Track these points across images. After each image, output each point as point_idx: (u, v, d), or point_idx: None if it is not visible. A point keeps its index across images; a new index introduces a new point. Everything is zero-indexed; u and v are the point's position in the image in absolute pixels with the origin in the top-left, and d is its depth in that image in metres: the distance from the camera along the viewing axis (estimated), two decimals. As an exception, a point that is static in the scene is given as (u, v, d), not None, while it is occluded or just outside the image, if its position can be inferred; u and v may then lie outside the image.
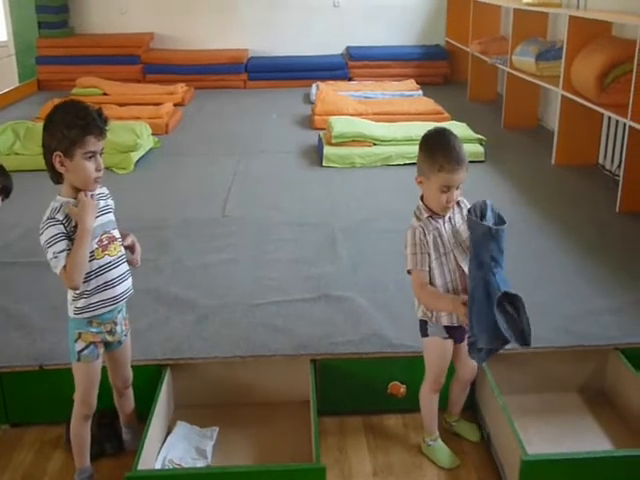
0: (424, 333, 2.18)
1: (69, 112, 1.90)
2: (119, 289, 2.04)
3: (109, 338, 2.08)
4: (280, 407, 2.49)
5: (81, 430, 2.10)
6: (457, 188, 2.03)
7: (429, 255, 2.05)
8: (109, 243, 2.00)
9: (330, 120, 5.28)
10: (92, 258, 1.95)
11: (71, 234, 1.90)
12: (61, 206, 1.91)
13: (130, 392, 2.28)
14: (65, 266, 1.86)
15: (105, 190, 2.08)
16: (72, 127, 1.86)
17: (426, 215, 2.06)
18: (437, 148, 1.99)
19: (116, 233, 2.05)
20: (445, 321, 2.12)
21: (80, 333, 2.02)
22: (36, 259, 3.21)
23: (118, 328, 2.09)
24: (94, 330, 2.03)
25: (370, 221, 3.77)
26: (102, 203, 2.02)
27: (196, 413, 2.44)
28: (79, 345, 2.02)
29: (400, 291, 2.90)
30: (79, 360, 2.04)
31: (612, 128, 4.72)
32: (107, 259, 1.99)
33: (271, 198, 4.20)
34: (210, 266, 3.23)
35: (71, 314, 2.02)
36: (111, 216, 2.05)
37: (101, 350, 2.07)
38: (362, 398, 2.50)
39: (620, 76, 4.20)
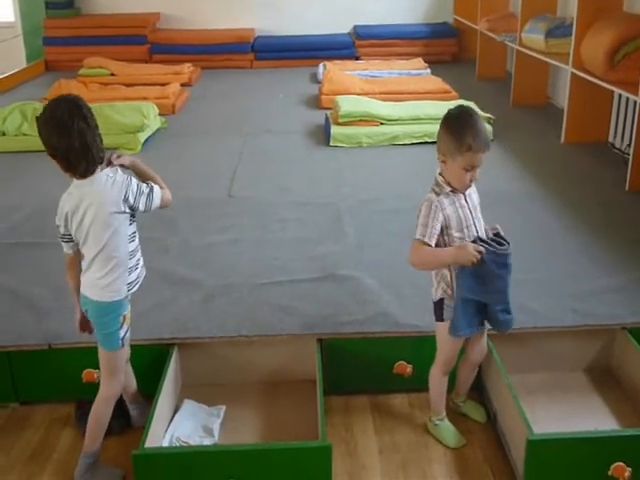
0: (440, 317, 2.16)
1: None
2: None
3: None
4: (286, 386, 2.50)
5: (106, 409, 2.11)
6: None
7: (444, 232, 2.04)
8: None
9: (337, 99, 5.25)
10: (136, 236, 2.06)
11: None
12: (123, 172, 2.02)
13: (129, 367, 2.29)
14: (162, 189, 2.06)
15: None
16: None
17: (448, 189, 2.05)
18: (465, 129, 1.98)
19: None
20: None
21: (124, 316, 2.05)
22: (42, 240, 3.23)
23: None
24: (129, 306, 2.08)
25: (376, 201, 3.75)
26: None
27: (203, 392, 2.45)
28: (124, 330, 2.06)
29: (406, 271, 2.86)
30: (123, 345, 2.07)
31: (622, 106, 4.66)
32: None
33: (278, 178, 4.19)
34: (216, 246, 3.23)
35: (121, 295, 2.02)
36: None
37: None
38: (368, 377, 2.51)
39: (631, 53, 4.14)
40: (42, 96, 6.02)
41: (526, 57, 5.63)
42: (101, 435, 2.12)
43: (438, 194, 2.05)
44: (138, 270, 2.08)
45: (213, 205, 3.76)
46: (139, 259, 2.08)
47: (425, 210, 2.04)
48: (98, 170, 1.95)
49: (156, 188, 2.05)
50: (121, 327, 2.05)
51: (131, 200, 1.96)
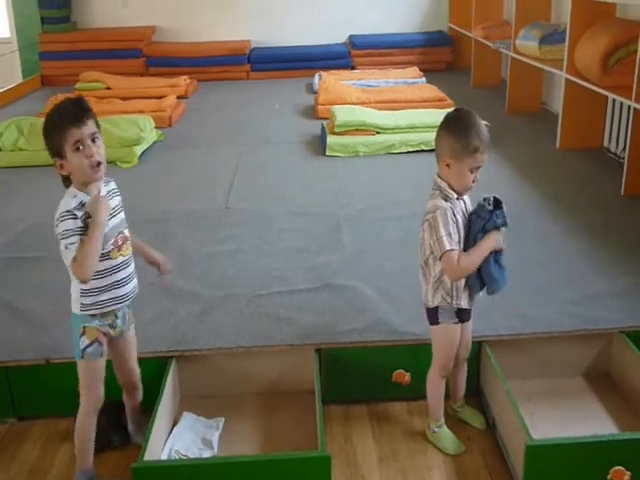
0: (434, 321, 2.16)
1: (47, 120, 1.94)
2: (126, 288, 2.06)
3: (111, 332, 2.09)
4: (285, 397, 2.50)
5: (86, 424, 2.07)
6: None
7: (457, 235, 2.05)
8: (123, 243, 2.03)
9: (333, 109, 5.26)
10: (107, 258, 1.97)
11: (86, 231, 1.90)
12: (81, 203, 1.92)
13: (138, 394, 2.27)
14: (75, 258, 1.86)
15: (114, 185, 2.09)
16: (52, 132, 1.91)
17: (456, 195, 2.05)
18: (471, 129, 1.99)
19: (127, 232, 2.07)
20: (465, 304, 2.11)
21: (85, 327, 2.02)
22: (40, 254, 3.23)
23: (119, 321, 2.10)
24: (97, 323, 2.04)
25: (374, 210, 3.76)
26: (117, 200, 2.05)
27: (202, 404, 2.45)
28: (84, 342, 2.03)
29: (404, 279, 2.90)
30: (82, 357, 2.04)
31: (617, 110, 4.68)
32: (120, 259, 2.02)
33: (275, 188, 4.19)
34: (214, 257, 3.23)
35: (77, 310, 2.02)
36: (122, 215, 2.06)
37: (104, 348, 2.07)
38: (367, 386, 2.50)
39: (624, 58, 4.16)
40: (39, 111, 6.04)
41: (520, 64, 5.66)
42: (90, 450, 2.10)
43: (447, 199, 2.04)
44: (91, 297, 2.00)
45: (211, 217, 3.76)
46: (115, 282, 2.02)
47: (443, 220, 2.01)
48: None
49: (66, 255, 1.88)
50: (81, 337, 2.01)
51: (55, 233, 1.91)
